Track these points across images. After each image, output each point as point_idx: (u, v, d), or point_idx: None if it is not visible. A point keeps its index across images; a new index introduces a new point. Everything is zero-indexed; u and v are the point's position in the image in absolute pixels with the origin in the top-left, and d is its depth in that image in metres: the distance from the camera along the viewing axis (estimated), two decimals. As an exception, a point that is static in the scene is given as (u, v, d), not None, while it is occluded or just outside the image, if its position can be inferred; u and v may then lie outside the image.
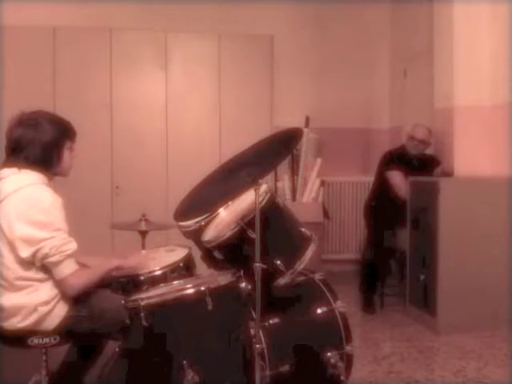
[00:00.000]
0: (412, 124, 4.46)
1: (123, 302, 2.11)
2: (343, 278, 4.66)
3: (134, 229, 3.17)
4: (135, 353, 2.11)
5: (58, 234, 2.09)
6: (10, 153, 2.20)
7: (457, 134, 4.11)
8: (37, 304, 2.12)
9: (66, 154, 2.26)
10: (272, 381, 2.18)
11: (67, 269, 2.10)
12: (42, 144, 2.18)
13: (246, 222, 2.12)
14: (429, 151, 4.37)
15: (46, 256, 2.07)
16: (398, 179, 4.18)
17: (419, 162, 4.26)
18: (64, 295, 2.16)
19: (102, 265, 2.27)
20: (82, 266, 2.36)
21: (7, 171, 2.17)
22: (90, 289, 2.19)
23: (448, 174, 4.07)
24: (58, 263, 2.09)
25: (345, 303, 2.45)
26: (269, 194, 2.24)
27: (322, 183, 5.16)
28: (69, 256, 2.11)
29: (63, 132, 2.25)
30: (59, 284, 2.13)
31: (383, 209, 4.26)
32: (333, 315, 2.40)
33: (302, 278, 2.45)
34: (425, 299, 3.92)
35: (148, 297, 2.07)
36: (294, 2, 5.46)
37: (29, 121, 2.20)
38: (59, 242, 2.08)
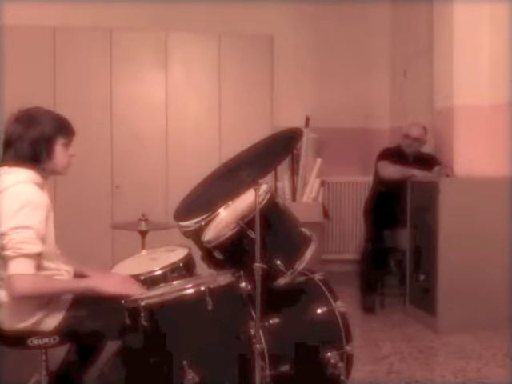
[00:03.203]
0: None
1: (123, 302, 2.10)
2: (343, 278, 4.65)
3: (134, 229, 3.18)
4: (135, 353, 2.10)
5: (25, 231, 2.00)
6: (3, 150, 2.17)
7: (457, 134, 4.11)
8: (34, 305, 2.11)
9: (58, 150, 2.19)
10: (272, 381, 2.17)
11: (16, 268, 1.99)
12: (29, 139, 2.13)
13: (245, 222, 2.11)
14: (428, 150, 4.37)
15: (3, 247, 1.99)
16: (384, 166, 4.20)
17: (415, 159, 4.26)
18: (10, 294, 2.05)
19: (69, 281, 2.22)
20: (80, 275, 2.35)
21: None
22: (47, 298, 2.12)
23: (448, 175, 4.07)
24: (10, 258, 1.99)
25: (345, 303, 2.44)
26: (269, 194, 2.23)
27: (322, 183, 5.16)
28: (24, 255, 1.99)
29: (56, 127, 2.19)
30: (7, 281, 2.03)
31: (383, 209, 4.27)
32: (333, 315, 2.39)
33: (302, 278, 2.44)
34: (425, 299, 3.92)
35: (148, 297, 2.07)
36: (294, 2, 5.46)
37: (22, 117, 2.18)
38: (20, 239, 1.99)
